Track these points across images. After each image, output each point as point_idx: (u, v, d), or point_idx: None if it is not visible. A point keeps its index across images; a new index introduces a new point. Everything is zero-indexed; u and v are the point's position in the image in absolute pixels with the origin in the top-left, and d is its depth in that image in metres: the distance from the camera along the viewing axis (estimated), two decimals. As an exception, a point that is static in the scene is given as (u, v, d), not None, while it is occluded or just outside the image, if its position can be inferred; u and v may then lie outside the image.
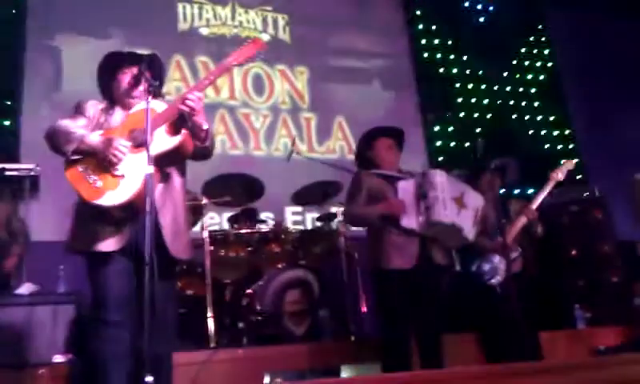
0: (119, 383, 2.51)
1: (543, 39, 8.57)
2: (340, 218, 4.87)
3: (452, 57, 7.98)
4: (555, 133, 8.19)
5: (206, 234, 4.46)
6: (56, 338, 3.71)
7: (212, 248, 4.49)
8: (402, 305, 3.53)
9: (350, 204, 3.80)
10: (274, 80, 6.95)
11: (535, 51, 8.50)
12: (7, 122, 5.65)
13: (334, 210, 5.08)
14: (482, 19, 8.40)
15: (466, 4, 8.40)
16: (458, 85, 7.93)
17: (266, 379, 3.70)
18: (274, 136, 6.78)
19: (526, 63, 8.43)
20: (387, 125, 4.03)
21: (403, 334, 3.54)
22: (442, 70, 7.90)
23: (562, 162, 4.61)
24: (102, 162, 2.61)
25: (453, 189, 3.60)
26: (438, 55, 7.95)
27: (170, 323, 2.81)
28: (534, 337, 4.03)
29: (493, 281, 4.18)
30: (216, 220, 5.88)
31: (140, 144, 2.59)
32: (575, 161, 4.70)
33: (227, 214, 5.34)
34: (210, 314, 4.20)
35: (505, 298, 3.96)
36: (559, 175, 4.36)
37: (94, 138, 2.66)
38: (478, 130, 7.69)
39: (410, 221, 3.53)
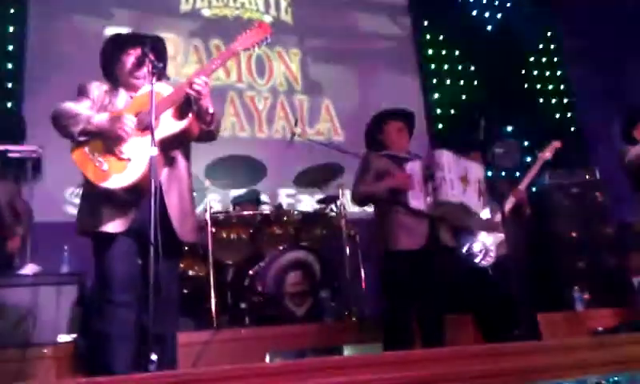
0: (124, 362, 2.54)
1: (552, 47, 8.39)
2: (341, 199, 4.89)
3: (460, 67, 7.81)
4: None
5: (208, 216, 4.49)
6: (60, 318, 3.75)
7: (214, 229, 4.52)
8: (407, 285, 3.55)
9: (358, 183, 3.82)
10: (274, 62, 6.91)
11: (544, 60, 8.25)
12: (9, 104, 5.64)
13: (335, 192, 5.09)
14: (489, 28, 8.21)
15: (474, 12, 8.23)
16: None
17: (268, 359, 3.74)
18: (274, 118, 6.77)
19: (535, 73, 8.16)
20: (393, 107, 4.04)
21: (406, 313, 3.57)
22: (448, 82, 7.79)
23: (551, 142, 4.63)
24: (108, 142, 2.63)
25: (458, 168, 3.62)
26: (445, 66, 7.76)
27: (174, 303, 2.85)
28: (530, 317, 4.07)
29: (484, 262, 4.22)
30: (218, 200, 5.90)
31: (146, 127, 2.61)
32: (559, 141, 4.69)
33: (230, 195, 5.37)
34: (212, 294, 4.23)
35: (497, 278, 4.02)
36: (546, 154, 4.41)
37: (101, 118, 2.67)
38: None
39: (419, 202, 3.56)
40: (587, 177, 5.84)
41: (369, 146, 4.00)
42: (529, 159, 6.27)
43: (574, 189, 5.75)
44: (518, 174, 4.95)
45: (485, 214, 4.12)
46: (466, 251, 4.29)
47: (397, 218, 3.61)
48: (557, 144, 4.52)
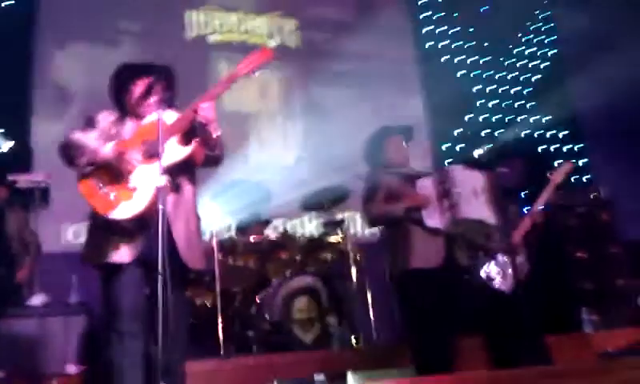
0: (133, 393, 2.54)
1: (545, 27, 8.55)
2: (346, 223, 4.89)
3: (454, 45, 7.98)
4: (561, 134, 8.20)
5: (214, 243, 4.50)
6: (68, 349, 3.76)
7: (220, 256, 4.53)
8: (431, 304, 3.42)
9: (369, 203, 3.67)
10: (274, 85, 6.95)
11: (537, 40, 8.47)
12: (18, 134, 5.69)
13: (340, 216, 5.11)
14: (485, 8, 8.37)
15: None
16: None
17: (276, 386, 3.72)
18: (272, 140, 6.80)
19: (527, 51, 8.40)
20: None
21: (438, 333, 3.42)
22: (444, 59, 7.89)
23: (560, 163, 4.60)
24: (114, 173, 2.65)
25: (469, 181, 3.56)
26: (441, 44, 7.97)
27: (183, 332, 2.85)
28: (542, 341, 4.02)
29: (502, 286, 4.17)
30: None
31: (152, 155, 2.63)
32: (572, 162, 4.69)
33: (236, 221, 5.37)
34: (219, 322, 4.22)
35: (513, 302, 3.95)
36: (558, 177, 4.39)
37: (107, 150, 2.70)
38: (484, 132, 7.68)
39: (434, 220, 3.47)
40: (592, 196, 5.83)
41: (370, 164, 3.90)
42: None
43: (579, 209, 5.73)
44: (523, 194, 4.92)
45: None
46: (484, 274, 4.22)
47: (412, 237, 3.50)
48: (569, 166, 4.47)
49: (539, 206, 4.32)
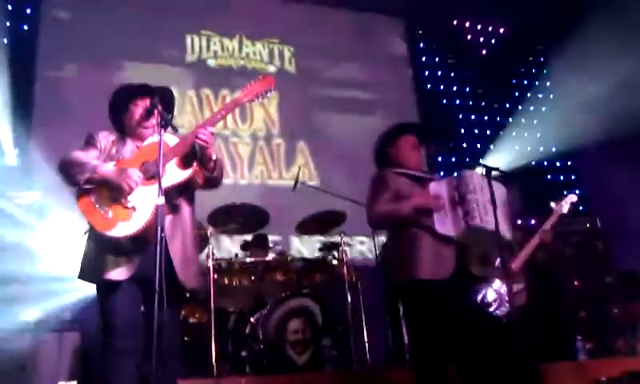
0: (125, 411, 2.54)
1: (545, 71, 8.70)
2: (342, 246, 4.91)
3: (454, 88, 8.11)
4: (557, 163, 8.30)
5: (210, 263, 4.51)
6: (61, 365, 3.75)
7: (216, 276, 4.54)
8: (436, 321, 3.10)
9: (375, 203, 3.33)
10: (254, 108, 6.96)
11: (537, 83, 8.62)
12: (17, 152, 5.73)
13: (336, 238, 5.13)
14: (484, 52, 8.53)
15: (469, 37, 8.54)
16: (460, 116, 8.07)
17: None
18: (254, 164, 6.83)
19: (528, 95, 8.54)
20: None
21: (440, 355, 3.11)
22: (444, 101, 8.02)
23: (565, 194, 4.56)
24: (113, 192, 2.68)
25: (486, 190, 3.21)
26: (441, 87, 8.10)
27: (176, 351, 2.85)
28: (536, 369, 3.99)
29: (498, 312, 4.12)
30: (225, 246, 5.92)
31: (151, 176, 2.67)
32: (577, 192, 4.70)
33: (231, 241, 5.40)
34: (212, 342, 4.22)
35: (509, 329, 3.88)
36: (563, 208, 4.32)
37: (108, 168, 2.73)
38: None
39: (446, 226, 3.16)
40: (588, 225, 5.87)
41: (379, 163, 3.58)
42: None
43: (575, 237, 5.76)
44: (519, 221, 4.88)
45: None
46: (481, 299, 4.15)
47: (421, 244, 3.17)
48: (573, 197, 4.43)
49: (548, 226, 4.26)
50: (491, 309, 4.08)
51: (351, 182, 6.65)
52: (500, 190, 3.31)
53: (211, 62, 7.00)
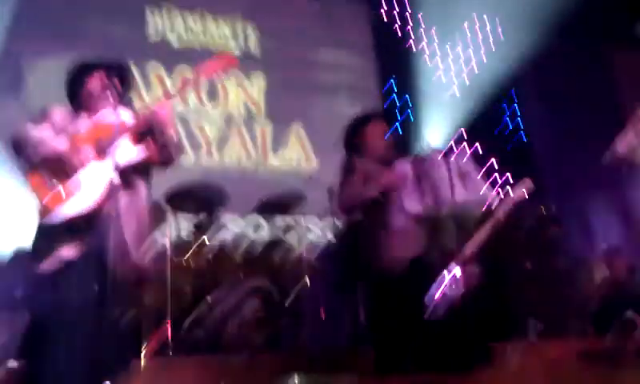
0: (75, 390, 2.51)
1: None
2: (302, 226, 4.93)
3: None
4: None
5: (167, 243, 4.46)
6: (10, 343, 3.67)
7: (172, 256, 4.49)
8: (405, 300, 3.16)
9: (344, 189, 3.40)
10: (231, 88, 6.88)
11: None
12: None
13: (295, 220, 5.15)
14: None
15: None
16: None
17: (225, 387, 3.71)
18: (227, 146, 6.75)
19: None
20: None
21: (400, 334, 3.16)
22: None
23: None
24: (66, 168, 2.62)
25: (453, 165, 3.35)
26: None
27: (129, 330, 2.83)
28: (487, 347, 4.08)
29: (451, 293, 4.20)
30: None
31: (105, 152, 2.62)
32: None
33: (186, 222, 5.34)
34: (168, 321, 4.19)
35: (460, 309, 3.99)
36: (521, 192, 4.38)
37: (59, 144, 2.67)
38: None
39: (414, 204, 3.27)
40: (543, 211, 6.00)
41: (348, 150, 3.61)
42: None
43: (529, 222, 5.89)
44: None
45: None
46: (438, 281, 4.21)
47: (390, 223, 3.26)
48: (528, 183, 4.46)
49: (495, 220, 4.34)
50: (446, 290, 4.18)
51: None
52: (467, 165, 3.43)
53: (175, 43, 6.85)
